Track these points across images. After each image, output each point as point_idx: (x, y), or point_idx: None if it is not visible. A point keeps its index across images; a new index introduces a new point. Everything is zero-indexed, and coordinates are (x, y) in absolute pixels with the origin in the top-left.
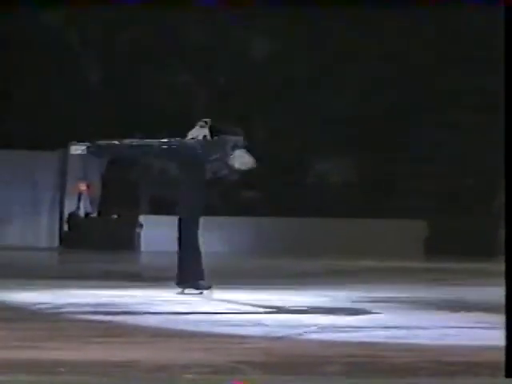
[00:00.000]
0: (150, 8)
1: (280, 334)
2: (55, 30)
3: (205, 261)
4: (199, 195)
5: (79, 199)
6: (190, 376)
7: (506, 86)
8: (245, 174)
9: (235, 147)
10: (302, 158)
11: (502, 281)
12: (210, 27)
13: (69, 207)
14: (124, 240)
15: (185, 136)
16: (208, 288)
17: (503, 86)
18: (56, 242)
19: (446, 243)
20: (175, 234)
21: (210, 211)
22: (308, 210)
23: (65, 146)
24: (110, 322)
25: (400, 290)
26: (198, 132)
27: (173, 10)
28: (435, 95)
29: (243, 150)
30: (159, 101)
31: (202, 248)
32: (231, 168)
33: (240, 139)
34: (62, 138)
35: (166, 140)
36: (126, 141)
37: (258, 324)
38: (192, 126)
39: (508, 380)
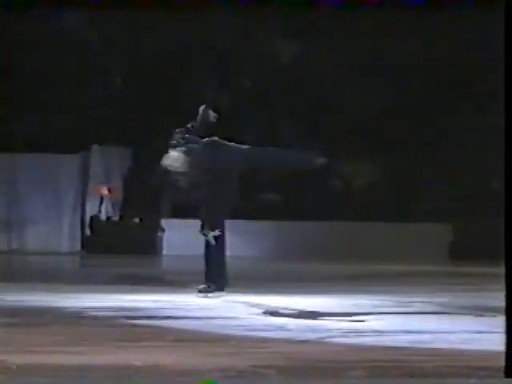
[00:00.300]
0: (175, 10)
1: (303, 339)
2: (80, 31)
3: (227, 265)
4: (225, 197)
5: (101, 203)
6: (213, 381)
7: (506, 85)
8: (267, 176)
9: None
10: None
11: None
12: (235, 29)
13: (91, 211)
14: (146, 244)
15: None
16: (221, 290)
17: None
18: (77, 247)
19: (472, 247)
20: (197, 238)
21: (231, 214)
22: (331, 213)
23: (87, 149)
24: (132, 326)
25: (424, 294)
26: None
27: (198, 11)
28: (462, 97)
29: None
30: (183, 104)
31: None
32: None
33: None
34: (84, 141)
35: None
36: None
37: (281, 328)
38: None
39: (508, 380)
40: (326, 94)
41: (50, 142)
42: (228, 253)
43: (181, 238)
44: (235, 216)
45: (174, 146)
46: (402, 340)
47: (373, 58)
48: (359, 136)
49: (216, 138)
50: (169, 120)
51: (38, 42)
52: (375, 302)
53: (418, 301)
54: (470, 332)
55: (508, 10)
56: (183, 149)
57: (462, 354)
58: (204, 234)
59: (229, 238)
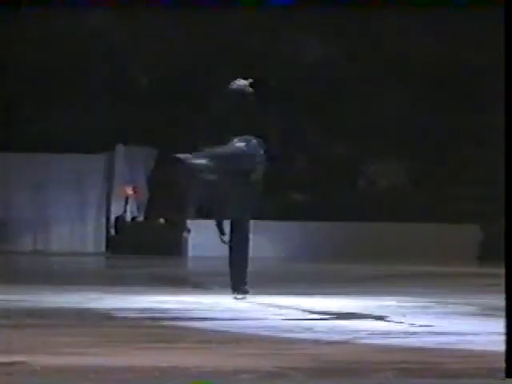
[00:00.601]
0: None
1: (329, 340)
2: (105, 31)
3: (252, 266)
4: (251, 195)
5: (126, 203)
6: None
7: (506, 85)
8: (294, 176)
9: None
10: (352, 160)
11: None
12: (261, 29)
13: (115, 211)
14: (171, 245)
15: None
16: (246, 293)
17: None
18: (102, 247)
19: (500, 247)
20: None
21: (257, 214)
22: (358, 213)
23: (112, 149)
24: (157, 327)
25: (452, 295)
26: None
27: (224, 12)
28: (489, 95)
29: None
30: (209, 104)
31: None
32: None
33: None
34: (109, 140)
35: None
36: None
37: (307, 329)
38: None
39: (508, 380)
40: (351, 94)
41: (74, 142)
42: (253, 253)
43: (207, 238)
44: (261, 216)
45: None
46: (430, 341)
47: (398, 57)
48: (386, 136)
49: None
50: (194, 120)
51: (64, 41)
52: (402, 302)
53: (445, 302)
54: (498, 334)
55: (508, 10)
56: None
57: (490, 355)
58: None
59: (254, 239)
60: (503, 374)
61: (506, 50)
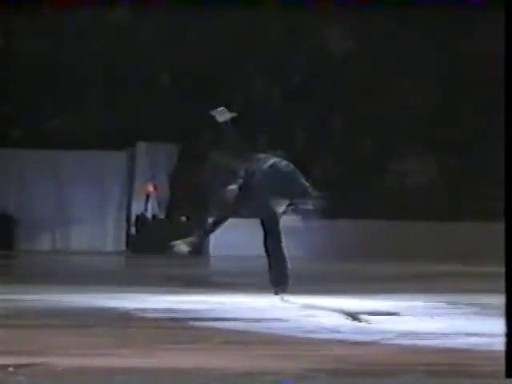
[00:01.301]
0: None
1: (356, 341)
2: (124, 28)
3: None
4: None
5: (147, 201)
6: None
7: (505, 85)
8: (320, 174)
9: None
10: (379, 157)
11: None
12: (287, 25)
13: (136, 209)
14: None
15: None
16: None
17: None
18: (123, 246)
19: None
20: (246, 238)
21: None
22: (385, 212)
23: (132, 146)
24: (179, 328)
25: (480, 295)
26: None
27: (248, 8)
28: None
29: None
30: (232, 100)
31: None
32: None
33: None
34: (129, 137)
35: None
36: None
37: (333, 330)
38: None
39: (508, 380)
40: (379, 90)
41: (95, 139)
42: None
43: (229, 237)
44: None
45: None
46: (460, 343)
47: (424, 54)
48: (413, 132)
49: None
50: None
51: (80, 38)
52: (430, 303)
53: (474, 303)
54: None
55: (508, 10)
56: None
57: None
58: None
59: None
60: None
61: (506, 50)
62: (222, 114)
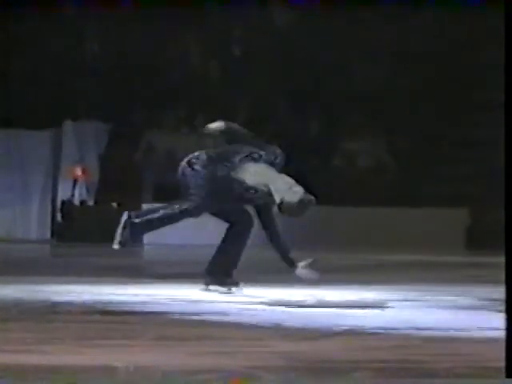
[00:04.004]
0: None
1: (304, 337)
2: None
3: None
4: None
5: (74, 185)
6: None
7: (505, 85)
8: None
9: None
10: (327, 138)
11: None
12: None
13: (62, 194)
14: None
15: None
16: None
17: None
18: (48, 234)
19: (490, 234)
20: (182, 226)
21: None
22: (334, 197)
23: (58, 125)
24: (109, 322)
25: (436, 287)
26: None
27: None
28: (478, 72)
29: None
30: (167, 74)
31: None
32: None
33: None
34: (54, 115)
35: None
36: None
37: (276, 325)
38: None
39: (508, 380)
40: (327, 66)
41: (16, 117)
42: (217, 241)
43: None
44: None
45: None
46: (412, 338)
47: (372, 29)
48: (364, 111)
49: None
50: (147, 93)
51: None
52: (382, 296)
53: (429, 295)
54: (486, 329)
55: (508, 10)
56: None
57: (477, 353)
58: None
59: (218, 226)
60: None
61: (506, 50)
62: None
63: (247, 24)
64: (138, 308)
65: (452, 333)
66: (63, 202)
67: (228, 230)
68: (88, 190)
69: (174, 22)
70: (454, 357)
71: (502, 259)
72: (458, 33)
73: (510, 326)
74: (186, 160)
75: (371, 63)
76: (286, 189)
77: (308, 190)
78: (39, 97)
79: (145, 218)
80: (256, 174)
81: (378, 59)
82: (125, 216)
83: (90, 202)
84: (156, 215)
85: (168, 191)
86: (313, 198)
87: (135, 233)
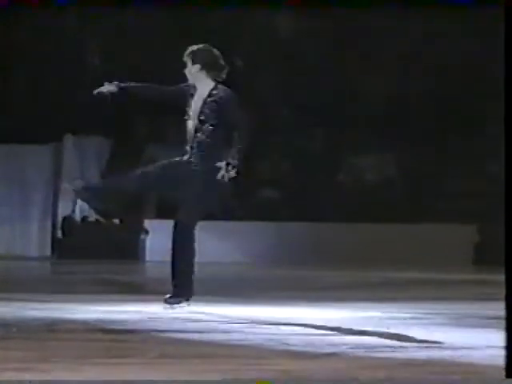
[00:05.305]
0: None
1: (306, 355)
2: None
3: (219, 272)
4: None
5: (75, 201)
6: None
7: (505, 86)
8: (265, 170)
9: None
10: (332, 151)
11: None
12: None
13: (63, 210)
14: (127, 248)
15: None
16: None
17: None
18: (48, 251)
19: (499, 251)
20: None
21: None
22: (340, 213)
23: (59, 139)
24: (110, 340)
25: (444, 304)
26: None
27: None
28: (489, 86)
29: None
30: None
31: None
32: None
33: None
34: (55, 129)
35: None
36: None
37: (280, 343)
38: None
39: (508, 380)
40: (337, 81)
41: (17, 131)
42: (220, 258)
43: (166, 241)
44: (228, 217)
45: None
46: (420, 355)
47: (385, 45)
48: (373, 125)
49: None
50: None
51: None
52: (389, 313)
53: (437, 312)
54: (494, 347)
55: (508, 10)
56: None
57: (487, 371)
58: None
59: (220, 242)
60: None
61: (506, 50)
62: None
63: (249, 36)
64: (139, 326)
65: (459, 351)
66: (64, 218)
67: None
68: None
69: (174, 35)
70: (462, 375)
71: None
72: (471, 46)
73: (509, 326)
74: None
75: (377, 77)
76: None
77: (312, 205)
78: (40, 111)
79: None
80: None
81: (385, 73)
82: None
83: (92, 218)
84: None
85: (170, 206)
86: None
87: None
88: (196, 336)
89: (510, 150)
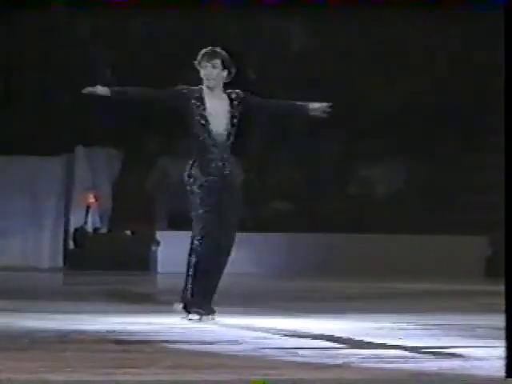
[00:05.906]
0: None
1: (315, 365)
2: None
3: (229, 282)
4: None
5: (87, 212)
6: None
7: (505, 86)
8: (277, 182)
9: None
10: (345, 163)
11: None
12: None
13: (75, 222)
14: (138, 259)
15: None
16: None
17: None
18: (60, 262)
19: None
20: None
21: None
22: (352, 224)
23: (70, 151)
24: (123, 351)
25: (456, 315)
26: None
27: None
28: (499, 95)
29: None
30: None
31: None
32: None
33: None
34: (66, 141)
35: None
36: None
37: (293, 353)
38: None
39: (508, 380)
40: (345, 91)
41: (28, 143)
42: (232, 269)
43: (178, 252)
44: (241, 228)
45: None
46: (431, 367)
47: (398, 55)
48: (383, 136)
49: None
50: (160, 119)
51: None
52: (400, 324)
53: (448, 324)
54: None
55: (508, 10)
56: None
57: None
58: None
59: (232, 253)
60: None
61: (506, 50)
62: None
63: (262, 48)
64: (151, 337)
65: (471, 362)
66: (76, 230)
67: (215, 254)
68: (101, 218)
69: (188, 47)
70: None
71: None
72: (481, 58)
73: (509, 325)
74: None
75: (390, 89)
76: None
77: (325, 216)
78: (51, 123)
79: None
80: None
81: (398, 85)
82: None
83: (103, 230)
84: None
85: (182, 219)
86: None
87: None
88: (207, 347)
89: (510, 151)
